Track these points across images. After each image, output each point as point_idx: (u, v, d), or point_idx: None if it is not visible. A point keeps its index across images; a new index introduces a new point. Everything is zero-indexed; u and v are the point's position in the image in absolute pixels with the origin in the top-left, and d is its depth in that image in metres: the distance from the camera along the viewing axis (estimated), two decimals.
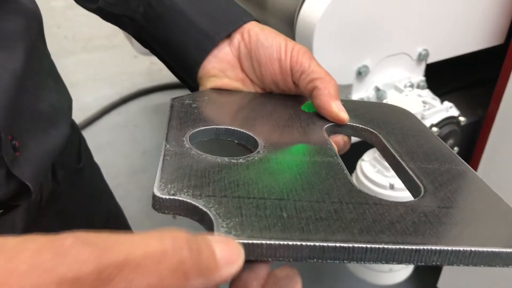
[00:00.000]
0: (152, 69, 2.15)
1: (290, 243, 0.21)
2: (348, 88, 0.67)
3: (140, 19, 0.41)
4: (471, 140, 0.82)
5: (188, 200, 0.23)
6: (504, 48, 0.75)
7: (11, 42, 0.36)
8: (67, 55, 2.33)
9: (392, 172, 0.65)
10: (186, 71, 0.40)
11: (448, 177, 0.30)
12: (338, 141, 0.35)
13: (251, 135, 0.32)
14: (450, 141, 0.62)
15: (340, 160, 0.30)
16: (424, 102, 0.62)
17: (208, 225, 0.22)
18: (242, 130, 0.33)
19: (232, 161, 0.28)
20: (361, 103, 0.43)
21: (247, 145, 0.33)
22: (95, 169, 0.59)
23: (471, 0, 0.69)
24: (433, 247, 0.22)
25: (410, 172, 0.30)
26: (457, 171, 0.31)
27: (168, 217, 1.58)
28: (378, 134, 0.35)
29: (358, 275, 0.74)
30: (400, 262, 0.22)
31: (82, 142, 0.55)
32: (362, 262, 0.22)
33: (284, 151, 0.31)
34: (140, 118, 1.91)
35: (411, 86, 0.68)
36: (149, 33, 0.41)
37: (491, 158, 0.78)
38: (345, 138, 0.36)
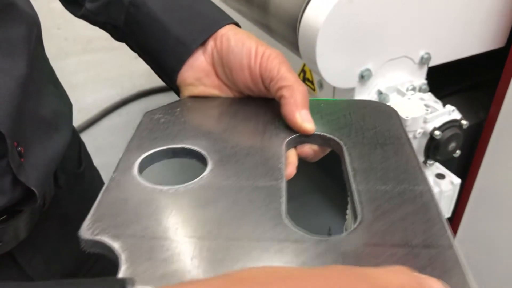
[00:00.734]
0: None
1: None
2: (351, 91, 0.67)
3: (122, 27, 0.41)
4: (472, 143, 0.82)
5: (106, 242, 0.24)
6: (505, 50, 0.75)
7: (15, 49, 0.37)
8: (67, 56, 2.33)
9: None
10: (167, 77, 0.41)
11: (396, 202, 0.28)
12: (305, 151, 0.35)
13: (204, 155, 0.32)
14: (453, 145, 0.63)
15: (283, 184, 0.30)
16: (426, 106, 0.62)
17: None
18: (197, 150, 0.33)
19: (170, 191, 0.29)
20: (343, 103, 0.41)
21: (201, 163, 0.33)
22: (95, 173, 0.59)
23: (473, 4, 0.69)
24: None
25: (356, 197, 0.29)
26: (413, 193, 0.29)
27: None
28: (343, 146, 0.34)
29: None
30: None
31: (82, 146, 0.55)
32: None
33: (229, 174, 0.31)
34: (139, 120, 1.91)
35: (413, 89, 0.68)
36: (131, 39, 0.42)
37: (492, 161, 0.79)
38: (314, 147, 0.36)
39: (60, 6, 0.48)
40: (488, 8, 0.71)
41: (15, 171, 0.36)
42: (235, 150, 0.33)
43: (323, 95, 0.75)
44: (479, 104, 0.84)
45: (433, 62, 0.71)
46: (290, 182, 0.32)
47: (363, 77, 0.65)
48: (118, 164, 0.30)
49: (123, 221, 0.25)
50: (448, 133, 0.61)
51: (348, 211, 0.40)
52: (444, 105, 0.64)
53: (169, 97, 0.43)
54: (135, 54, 0.45)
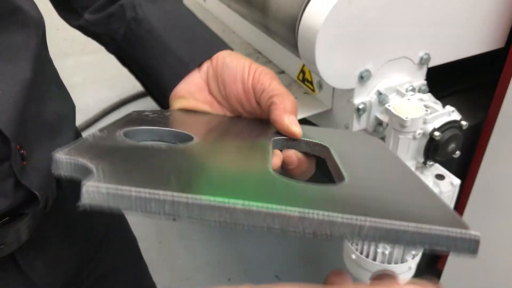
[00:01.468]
0: None
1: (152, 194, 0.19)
2: (350, 92, 0.67)
3: (120, 40, 0.42)
4: (471, 143, 0.82)
5: (81, 160, 0.23)
6: (504, 51, 0.75)
7: (19, 53, 0.37)
8: (66, 57, 2.33)
9: None
10: (159, 92, 0.41)
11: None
12: (290, 156, 0.35)
13: (191, 135, 0.32)
14: (452, 145, 0.63)
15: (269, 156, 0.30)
16: (426, 106, 0.62)
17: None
18: (184, 132, 0.32)
19: (155, 145, 0.28)
20: (329, 130, 0.42)
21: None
22: None
23: (473, 4, 0.69)
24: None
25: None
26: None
27: (168, 221, 1.57)
28: (330, 148, 0.34)
29: (357, 277, 0.74)
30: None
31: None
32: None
33: (216, 146, 0.31)
34: None
35: (413, 90, 0.68)
36: (127, 53, 0.43)
37: (491, 161, 0.79)
38: (299, 154, 0.36)
39: None
40: (487, 9, 0.71)
41: (18, 174, 0.36)
42: (223, 139, 0.34)
43: (322, 95, 0.75)
44: (478, 104, 0.84)
45: (433, 63, 0.71)
46: None
47: (363, 78, 0.65)
48: (100, 129, 0.30)
49: (101, 154, 0.24)
50: (448, 134, 0.61)
51: None
52: (443, 105, 0.64)
53: None
54: None
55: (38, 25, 0.40)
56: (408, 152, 0.63)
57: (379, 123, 0.70)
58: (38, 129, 0.40)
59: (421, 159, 0.64)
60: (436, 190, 0.68)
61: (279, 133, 0.36)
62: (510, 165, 0.76)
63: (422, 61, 0.69)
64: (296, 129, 0.34)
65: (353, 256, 0.68)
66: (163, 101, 0.41)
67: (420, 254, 0.71)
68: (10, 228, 0.38)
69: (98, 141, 0.27)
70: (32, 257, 0.44)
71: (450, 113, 0.62)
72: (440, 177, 0.69)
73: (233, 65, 0.38)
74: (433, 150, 0.62)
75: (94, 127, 1.90)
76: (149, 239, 1.48)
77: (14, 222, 0.38)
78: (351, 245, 0.73)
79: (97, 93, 2.00)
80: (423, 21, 0.66)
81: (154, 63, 0.40)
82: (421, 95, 0.65)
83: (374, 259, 0.69)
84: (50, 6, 0.49)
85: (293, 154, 0.35)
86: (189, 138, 0.32)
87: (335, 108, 0.73)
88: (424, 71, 0.71)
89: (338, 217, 0.19)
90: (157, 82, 0.40)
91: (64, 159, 0.23)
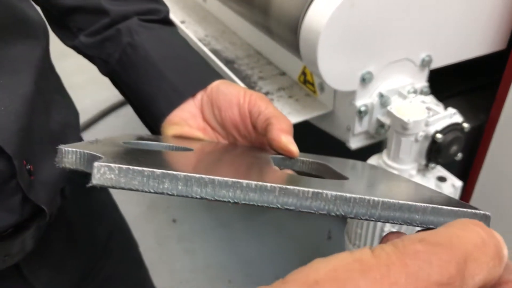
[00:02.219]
0: None
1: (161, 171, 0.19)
2: (351, 94, 0.67)
3: (114, 63, 0.42)
4: (473, 145, 0.82)
5: (88, 152, 0.23)
6: (506, 53, 0.75)
7: (20, 66, 0.36)
8: (65, 57, 2.32)
9: None
10: (152, 118, 0.41)
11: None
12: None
13: (191, 148, 0.32)
14: (454, 148, 0.62)
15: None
16: (428, 109, 0.62)
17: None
18: (185, 147, 0.32)
19: (155, 149, 0.29)
20: (328, 157, 0.42)
21: None
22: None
23: (474, 6, 0.69)
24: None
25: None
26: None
27: (168, 221, 1.57)
28: (328, 164, 0.34)
29: None
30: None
31: None
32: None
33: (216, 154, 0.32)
34: (138, 121, 1.90)
35: (415, 92, 0.68)
36: (120, 77, 0.43)
37: (493, 163, 0.79)
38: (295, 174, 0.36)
39: None
40: (489, 11, 0.71)
41: (25, 190, 0.36)
42: (223, 155, 0.34)
43: (324, 97, 0.75)
44: (479, 106, 0.84)
45: (434, 65, 0.71)
46: None
47: (364, 80, 0.64)
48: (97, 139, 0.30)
49: (106, 151, 0.24)
50: (450, 136, 0.61)
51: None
52: (445, 107, 0.64)
53: None
54: None
55: (41, 31, 0.40)
56: (410, 155, 0.63)
57: (381, 125, 0.69)
58: (44, 141, 0.39)
59: (423, 162, 0.64)
60: None
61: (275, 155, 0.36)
62: None
63: (424, 63, 0.69)
64: (293, 147, 0.35)
65: None
66: (154, 126, 0.41)
67: None
68: (15, 239, 0.38)
69: (101, 143, 0.27)
70: (36, 266, 0.43)
71: (452, 116, 0.62)
72: (442, 179, 0.69)
73: (228, 91, 0.38)
74: (435, 152, 0.62)
75: (93, 128, 1.89)
76: (148, 242, 1.47)
77: (20, 233, 0.38)
78: (352, 246, 0.73)
79: (96, 94, 2.00)
80: (425, 23, 0.66)
81: (148, 89, 0.40)
82: (423, 97, 0.65)
83: None
84: None
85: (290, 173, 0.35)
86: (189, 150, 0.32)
87: (336, 110, 0.73)
88: (426, 73, 0.71)
89: (352, 196, 0.20)
90: (149, 108, 0.41)
91: (70, 150, 0.23)
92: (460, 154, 0.65)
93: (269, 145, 0.36)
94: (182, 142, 0.37)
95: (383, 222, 0.20)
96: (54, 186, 0.40)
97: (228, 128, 0.39)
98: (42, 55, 0.39)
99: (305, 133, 0.70)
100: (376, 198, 0.20)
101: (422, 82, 0.71)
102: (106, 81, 0.46)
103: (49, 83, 0.42)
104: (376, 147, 0.74)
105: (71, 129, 0.45)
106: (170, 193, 0.19)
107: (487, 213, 0.22)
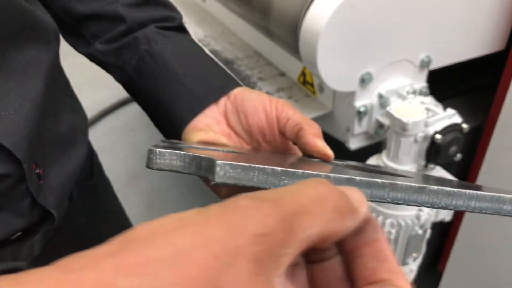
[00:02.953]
0: None
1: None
2: (351, 95, 0.67)
3: (130, 71, 0.42)
4: (472, 145, 0.82)
5: (187, 152, 0.25)
6: (505, 53, 0.75)
7: (31, 70, 0.36)
8: (64, 57, 2.31)
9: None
10: (170, 126, 0.41)
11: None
12: None
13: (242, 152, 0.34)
14: (453, 148, 0.63)
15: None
16: (427, 109, 0.62)
17: (207, 170, 0.23)
18: (242, 152, 0.34)
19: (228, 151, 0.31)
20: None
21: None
22: (107, 184, 0.58)
23: (473, 7, 0.69)
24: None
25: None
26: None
27: None
28: (365, 166, 0.37)
29: None
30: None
31: (94, 157, 0.54)
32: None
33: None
34: (137, 122, 1.90)
35: (414, 92, 0.68)
36: (137, 84, 0.43)
37: (492, 163, 0.79)
38: None
39: None
40: (488, 12, 0.71)
41: (34, 194, 0.36)
42: (274, 155, 0.37)
43: (323, 98, 0.75)
44: (478, 106, 0.84)
45: (434, 65, 0.71)
46: None
47: (364, 81, 0.65)
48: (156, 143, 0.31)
49: (188, 149, 0.27)
50: (449, 137, 0.61)
51: None
52: (444, 108, 0.64)
53: None
54: None
55: (55, 38, 0.40)
56: (409, 155, 0.63)
57: (380, 125, 0.70)
58: (53, 144, 0.39)
59: (422, 162, 0.64)
60: None
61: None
62: (511, 167, 0.76)
63: (423, 64, 0.69)
64: (329, 151, 0.36)
65: None
66: (172, 133, 0.41)
67: (421, 257, 0.71)
68: (23, 244, 0.38)
69: (171, 145, 0.29)
70: None
71: (451, 116, 0.62)
72: None
73: (253, 97, 0.39)
74: (434, 153, 0.62)
75: (93, 129, 1.89)
76: None
77: (28, 237, 0.38)
78: None
79: (95, 94, 1.99)
80: (424, 24, 0.66)
81: (167, 97, 0.40)
82: (422, 98, 0.65)
83: None
84: None
85: None
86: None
87: (336, 111, 0.73)
88: (425, 73, 0.71)
89: (452, 190, 0.22)
90: (169, 115, 0.41)
91: (168, 152, 0.25)
92: (459, 155, 0.65)
93: (302, 150, 0.37)
94: (210, 147, 0.38)
95: (470, 211, 0.22)
96: (62, 190, 0.40)
97: (254, 134, 0.39)
98: (53, 58, 0.39)
99: None
100: (471, 191, 0.22)
101: (421, 82, 0.71)
102: (105, 81, 0.46)
103: (58, 86, 0.42)
104: (375, 148, 0.74)
105: (80, 132, 0.45)
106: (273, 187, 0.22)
107: None
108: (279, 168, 0.22)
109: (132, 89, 0.43)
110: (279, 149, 0.40)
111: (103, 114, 1.94)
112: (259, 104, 0.38)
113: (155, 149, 0.25)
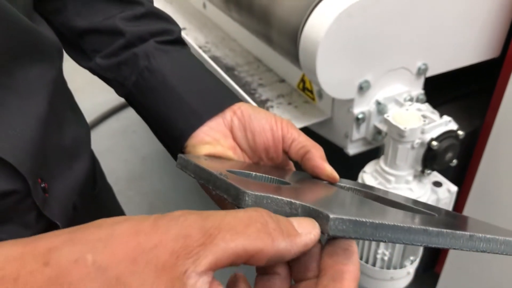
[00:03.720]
0: None
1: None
2: (349, 102, 0.69)
3: (130, 86, 0.43)
4: (467, 150, 0.84)
5: (279, 197, 0.26)
6: (500, 61, 0.77)
7: (35, 88, 0.37)
8: (64, 60, 2.33)
9: (393, 184, 0.67)
10: (171, 139, 0.42)
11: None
12: None
13: (279, 178, 0.36)
14: (449, 155, 0.64)
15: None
16: (424, 116, 0.64)
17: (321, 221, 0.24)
18: (267, 176, 0.36)
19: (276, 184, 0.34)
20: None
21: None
22: (109, 192, 0.59)
23: (468, 16, 0.71)
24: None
25: (414, 206, 0.34)
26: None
27: None
28: (368, 191, 0.39)
29: (360, 283, 0.75)
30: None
31: (97, 166, 0.55)
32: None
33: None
34: (139, 124, 1.91)
35: (411, 99, 0.70)
36: (137, 99, 0.44)
37: (488, 168, 0.81)
38: None
39: None
40: (483, 20, 0.73)
41: (40, 207, 0.37)
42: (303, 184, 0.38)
43: (322, 104, 0.77)
44: (474, 111, 0.86)
45: (430, 73, 0.73)
46: None
47: (362, 88, 0.66)
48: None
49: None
50: (445, 143, 0.63)
51: None
52: (440, 113, 0.66)
53: None
54: None
55: (58, 54, 0.41)
56: (406, 161, 0.64)
57: (378, 132, 0.71)
58: (57, 158, 0.40)
59: (419, 168, 0.65)
60: (434, 197, 0.70)
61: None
62: (506, 172, 0.78)
63: (420, 71, 0.71)
64: (336, 175, 0.39)
65: None
66: (173, 146, 0.43)
67: (418, 260, 0.73)
68: None
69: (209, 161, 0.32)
70: None
71: (447, 123, 0.64)
72: (437, 184, 0.71)
73: (261, 116, 0.41)
74: (430, 159, 0.63)
75: (94, 131, 1.91)
76: None
77: None
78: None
79: (96, 97, 2.00)
80: (421, 32, 0.68)
81: (167, 112, 0.41)
82: (419, 105, 0.67)
83: (374, 264, 0.71)
84: None
85: None
86: (284, 184, 0.36)
87: (335, 117, 0.75)
88: (421, 80, 0.73)
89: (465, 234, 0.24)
90: (168, 129, 0.42)
91: (275, 198, 0.26)
92: (455, 161, 0.66)
93: (309, 171, 0.39)
94: (216, 161, 0.39)
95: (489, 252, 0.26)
96: (67, 201, 0.41)
97: (258, 151, 0.41)
98: (56, 75, 0.40)
99: None
100: (503, 238, 0.25)
101: (418, 89, 0.73)
102: (105, 84, 0.47)
103: (62, 101, 0.43)
104: (373, 153, 0.75)
105: (83, 144, 0.46)
106: (388, 240, 0.23)
107: None
108: (387, 223, 0.23)
109: (133, 103, 0.44)
110: (279, 164, 0.42)
111: (104, 117, 1.96)
112: (266, 123, 0.40)
113: (250, 192, 0.25)
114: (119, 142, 1.86)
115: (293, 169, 0.43)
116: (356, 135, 0.71)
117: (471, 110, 0.87)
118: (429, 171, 0.66)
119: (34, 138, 0.35)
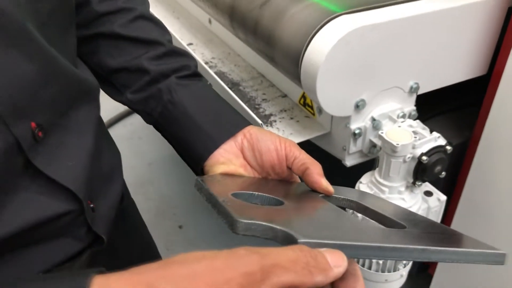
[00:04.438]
0: None
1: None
2: (347, 118, 0.75)
3: (156, 116, 0.51)
4: (457, 160, 0.90)
5: (263, 223, 0.32)
6: (487, 78, 0.83)
7: (84, 126, 0.44)
8: None
9: (387, 194, 0.73)
10: (192, 160, 0.50)
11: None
12: None
13: (276, 197, 0.41)
14: (438, 168, 0.70)
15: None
16: (415, 133, 0.70)
17: (284, 240, 0.31)
18: (267, 195, 0.41)
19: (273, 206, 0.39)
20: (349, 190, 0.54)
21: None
22: (133, 205, 0.66)
23: (456, 37, 0.77)
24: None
25: (393, 218, 0.40)
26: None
27: (174, 229, 1.64)
28: (358, 201, 0.45)
29: None
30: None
31: (124, 183, 0.63)
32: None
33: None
34: (145, 130, 1.97)
35: (404, 116, 0.76)
36: (163, 127, 0.52)
37: (476, 178, 0.86)
38: None
39: None
40: (471, 42, 0.79)
41: (91, 224, 0.44)
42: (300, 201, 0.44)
43: (322, 119, 0.83)
44: (463, 124, 0.92)
45: (422, 90, 0.78)
46: None
47: (358, 107, 0.72)
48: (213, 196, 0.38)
49: (264, 215, 0.34)
50: (434, 157, 0.69)
51: None
52: (431, 127, 0.72)
53: None
54: None
55: (98, 93, 0.48)
56: (399, 174, 0.70)
57: (373, 145, 0.77)
58: (100, 183, 0.47)
59: (411, 180, 0.71)
60: (424, 205, 0.76)
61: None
62: (493, 182, 0.84)
63: (412, 90, 0.76)
64: (331, 188, 0.46)
65: None
66: (195, 166, 0.50)
67: (410, 263, 0.79)
68: (74, 263, 0.45)
69: (237, 203, 0.37)
70: None
71: (436, 139, 0.70)
72: (428, 193, 0.77)
73: (267, 138, 0.48)
74: (421, 172, 0.69)
75: None
76: (157, 246, 1.54)
77: (80, 257, 0.46)
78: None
79: (102, 103, 2.06)
80: (412, 55, 0.73)
81: (188, 137, 0.49)
82: (410, 121, 0.73)
83: (370, 267, 0.76)
84: None
85: None
86: (279, 202, 0.41)
87: (333, 132, 0.81)
88: (413, 98, 0.79)
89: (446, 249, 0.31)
90: (190, 152, 0.50)
91: (246, 223, 0.32)
92: (444, 173, 0.72)
93: (309, 185, 0.46)
94: (230, 178, 0.46)
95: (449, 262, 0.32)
96: (108, 217, 0.48)
97: (265, 168, 0.48)
98: (98, 111, 0.47)
99: (307, 151, 0.77)
100: (452, 249, 0.32)
101: (410, 106, 0.79)
102: None
103: (100, 129, 0.50)
104: (369, 164, 0.81)
105: (117, 169, 0.53)
106: (349, 257, 0.29)
107: (504, 253, 0.33)
108: (350, 243, 0.29)
109: (159, 130, 0.52)
110: (284, 178, 0.48)
111: (110, 124, 2.01)
112: (271, 144, 0.47)
113: (238, 220, 0.31)
114: (126, 148, 1.91)
115: (298, 181, 0.50)
116: (353, 148, 0.77)
117: (462, 122, 0.93)
118: (419, 183, 0.72)
119: (85, 168, 0.42)
